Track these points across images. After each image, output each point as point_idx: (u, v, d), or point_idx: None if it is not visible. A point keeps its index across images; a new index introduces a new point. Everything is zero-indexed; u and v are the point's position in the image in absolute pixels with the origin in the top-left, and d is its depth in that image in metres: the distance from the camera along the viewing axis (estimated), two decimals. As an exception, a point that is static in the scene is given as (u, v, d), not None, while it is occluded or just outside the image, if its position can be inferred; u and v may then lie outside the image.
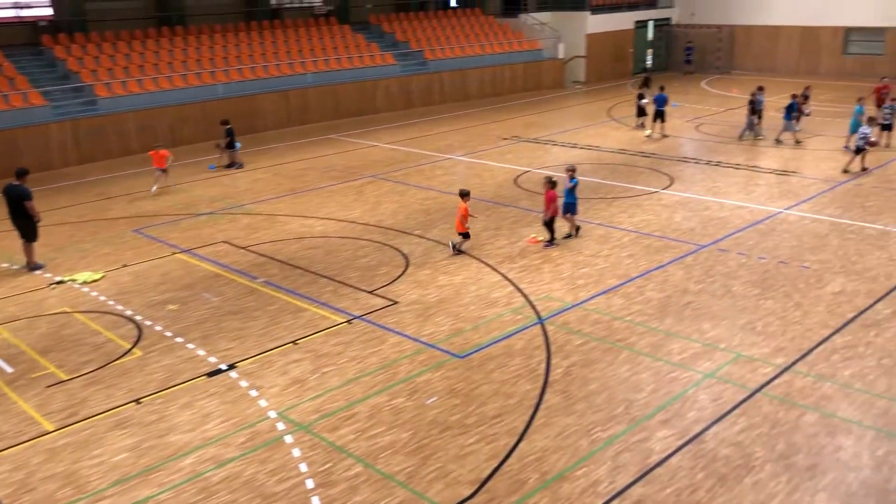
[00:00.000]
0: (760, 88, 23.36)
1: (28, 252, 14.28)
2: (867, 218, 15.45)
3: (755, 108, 22.93)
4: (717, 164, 20.24)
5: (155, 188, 19.36)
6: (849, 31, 35.27)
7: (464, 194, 14.38)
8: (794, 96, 22.29)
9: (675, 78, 37.57)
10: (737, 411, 8.77)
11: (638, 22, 38.74)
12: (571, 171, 14.67)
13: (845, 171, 18.98)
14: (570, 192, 14.50)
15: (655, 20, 39.73)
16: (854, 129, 20.23)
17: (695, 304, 11.73)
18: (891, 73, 33.66)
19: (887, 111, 21.36)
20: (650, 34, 39.79)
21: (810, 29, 36.14)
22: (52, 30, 26.92)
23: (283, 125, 27.73)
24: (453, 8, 38.43)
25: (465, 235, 14.32)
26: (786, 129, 22.07)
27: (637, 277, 12.82)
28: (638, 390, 9.29)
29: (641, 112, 25.26)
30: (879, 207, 16.07)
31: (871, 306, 11.42)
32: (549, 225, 14.46)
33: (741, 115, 26.84)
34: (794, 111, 21.89)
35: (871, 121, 19.19)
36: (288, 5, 35.02)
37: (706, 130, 24.74)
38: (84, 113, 23.61)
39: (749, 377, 9.52)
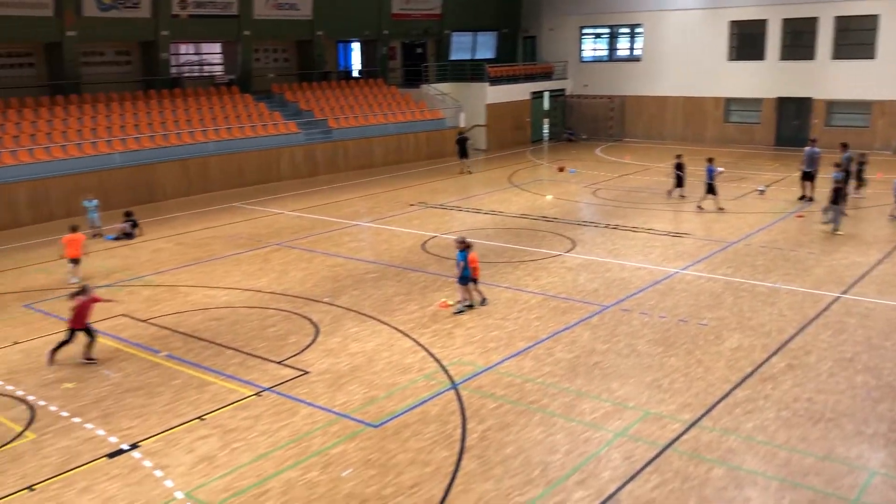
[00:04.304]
0: (679, 156, 24.83)
1: None
2: (757, 276, 16.32)
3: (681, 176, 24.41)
4: (616, 227, 21.03)
5: (76, 279, 16.50)
6: (729, 102, 37.81)
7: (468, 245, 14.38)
8: (709, 160, 23.04)
9: (570, 146, 39.16)
10: (649, 468, 8.95)
11: (534, 93, 40.37)
12: (462, 242, 14.45)
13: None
14: (464, 264, 14.27)
15: (551, 91, 41.52)
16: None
17: (603, 363, 12.01)
18: (764, 141, 36.30)
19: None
20: (546, 104, 41.49)
21: (693, 99, 38.54)
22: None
23: (184, 194, 27.14)
24: (356, 78, 38.99)
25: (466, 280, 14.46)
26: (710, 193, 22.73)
27: (546, 339, 13.05)
28: (553, 452, 9.37)
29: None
30: (767, 266, 17.02)
31: (766, 360, 11.99)
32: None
33: (635, 181, 28.09)
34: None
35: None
36: (188, 74, 34.70)
37: (603, 195, 25.74)
38: (-31, 183, 22.51)
39: (659, 434, 9.76)
